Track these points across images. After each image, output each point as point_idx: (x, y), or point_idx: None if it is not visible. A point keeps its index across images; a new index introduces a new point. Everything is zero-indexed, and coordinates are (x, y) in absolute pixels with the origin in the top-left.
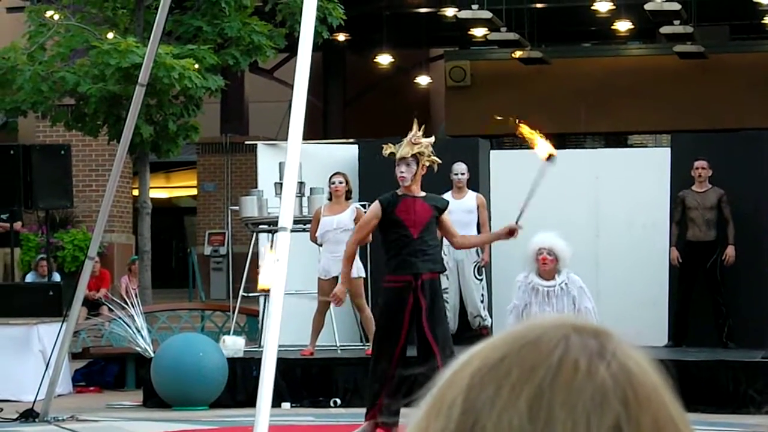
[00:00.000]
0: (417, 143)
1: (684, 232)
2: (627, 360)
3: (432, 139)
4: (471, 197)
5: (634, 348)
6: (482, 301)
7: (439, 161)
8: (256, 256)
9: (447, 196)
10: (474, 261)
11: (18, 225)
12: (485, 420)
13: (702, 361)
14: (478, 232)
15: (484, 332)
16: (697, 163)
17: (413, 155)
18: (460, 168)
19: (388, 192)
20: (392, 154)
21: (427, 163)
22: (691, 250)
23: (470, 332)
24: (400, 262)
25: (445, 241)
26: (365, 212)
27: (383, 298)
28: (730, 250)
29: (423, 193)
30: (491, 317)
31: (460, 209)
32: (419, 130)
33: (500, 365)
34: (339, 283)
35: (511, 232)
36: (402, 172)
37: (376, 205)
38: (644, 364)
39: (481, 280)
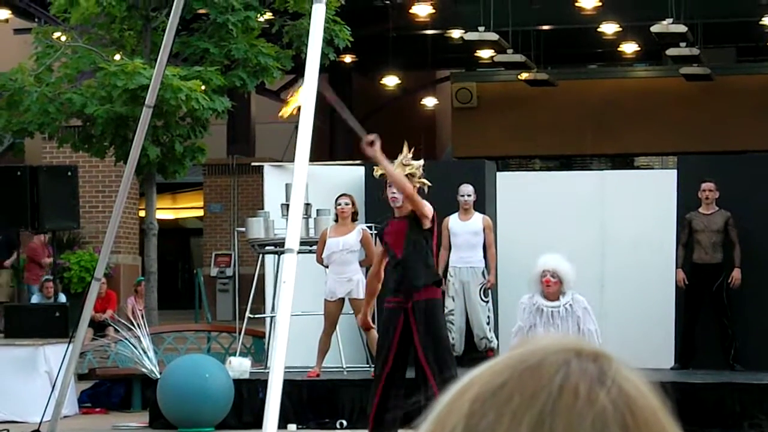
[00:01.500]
0: (408, 164)
1: (690, 254)
2: (626, 384)
3: (421, 161)
4: (477, 219)
5: (633, 371)
6: (488, 323)
7: (429, 184)
8: (262, 277)
9: (454, 217)
10: (480, 283)
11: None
12: None
13: (708, 384)
14: (485, 253)
15: (490, 354)
16: (704, 185)
17: (405, 176)
18: (466, 189)
19: (379, 225)
20: (383, 175)
21: (418, 185)
22: (697, 273)
23: (476, 354)
24: (394, 282)
25: (451, 263)
26: (372, 233)
27: (382, 319)
28: (737, 273)
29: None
30: (497, 339)
31: (467, 231)
32: (409, 152)
33: (501, 391)
34: (361, 314)
35: None
36: (393, 193)
37: (378, 246)
38: (643, 388)
39: (487, 302)
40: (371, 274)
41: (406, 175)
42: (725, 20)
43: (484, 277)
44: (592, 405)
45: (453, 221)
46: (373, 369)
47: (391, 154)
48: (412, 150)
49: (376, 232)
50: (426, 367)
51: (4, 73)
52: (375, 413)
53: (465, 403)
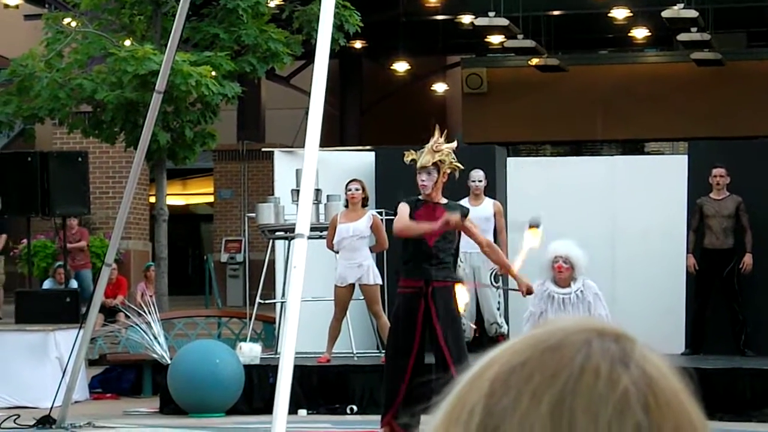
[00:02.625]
0: (438, 150)
1: (701, 239)
2: (648, 365)
3: (454, 144)
4: (488, 204)
5: (655, 353)
6: (498, 309)
7: (462, 167)
8: (272, 263)
9: (464, 202)
10: (491, 268)
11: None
12: (506, 426)
13: (719, 369)
14: (495, 239)
15: (500, 339)
16: (714, 171)
17: (434, 163)
18: (477, 175)
19: (410, 197)
20: (414, 161)
21: (449, 170)
22: (708, 258)
23: (487, 339)
24: (413, 268)
25: (461, 248)
26: (381, 219)
27: (396, 304)
28: (748, 258)
29: (444, 200)
30: (508, 324)
31: (477, 216)
32: (441, 136)
33: (521, 370)
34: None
35: (528, 291)
36: (423, 180)
37: (404, 205)
38: (665, 369)
39: (498, 287)
40: (401, 224)
41: (436, 162)
42: (736, 5)
43: None
44: (613, 386)
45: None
46: (384, 354)
47: (402, 139)
48: (444, 134)
49: (404, 203)
50: (446, 350)
51: (15, 59)
52: (402, 400)
53: (485, 382)
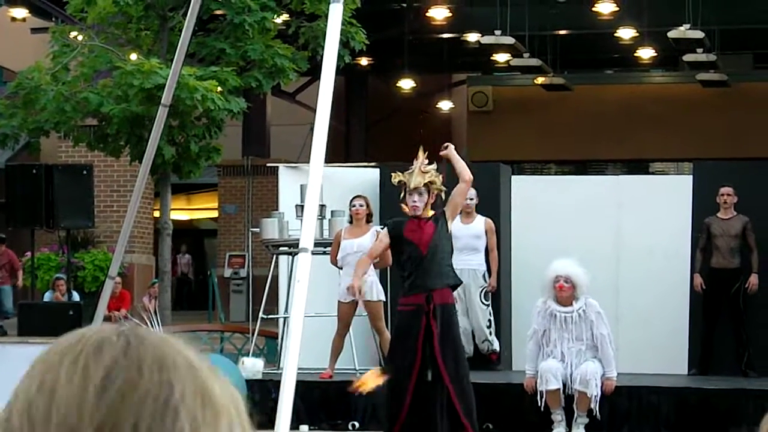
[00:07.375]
0: (426, 171)
1: (708, 259)
2: None
3: (435, 165)
4: (479, 222)
5: None
6: (489, 326)
7: (445, 189)
8: (276, 278)
9: (456, 220)
10: (480, 286)
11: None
12: None
13: (721, 390)
14: (487, 256)
15: (493, 357)
16: (722, 190)
17: (425, 185)
18: (469, 193)
19: (395, 219)
20: (401, 182)
21: (436, 192)
22: (715, 278)
23: (479, 356)
24: (413, 282)
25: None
26: (378, 229)
27: (396, 321)
28: (754, 279)
29: (431, 213)
30: (505, 341)
31: (469, 234)
32: (425, 158)
33: None
34: (355, 280)
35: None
36: (415, 201)
37: (383, 231)
38: None
39: (488, 305)
40: (368, 255)
41: (427, 183)
42: (742, 26)
43: (485, 280)
44: None
45: (455, 224)
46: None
47: (406, 156)
48: (426, 154)
49: (386, 227)
50: (443, 368)
51: (21, 72)
52: (405, 417)
53: None
